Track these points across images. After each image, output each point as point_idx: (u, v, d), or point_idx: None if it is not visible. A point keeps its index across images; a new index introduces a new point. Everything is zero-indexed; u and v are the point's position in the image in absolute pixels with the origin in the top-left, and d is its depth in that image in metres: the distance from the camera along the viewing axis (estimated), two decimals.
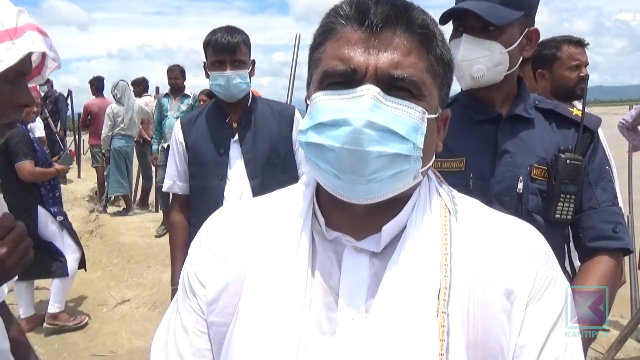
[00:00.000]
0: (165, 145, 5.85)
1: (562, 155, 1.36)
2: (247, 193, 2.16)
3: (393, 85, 0.69)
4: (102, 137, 7.14)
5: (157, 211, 7.26)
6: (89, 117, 7.80)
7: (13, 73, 1.00)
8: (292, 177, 2.18)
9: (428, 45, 0.72)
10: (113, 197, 7.49)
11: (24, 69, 1.03)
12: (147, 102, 7.52)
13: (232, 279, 0.77)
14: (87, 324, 4.25)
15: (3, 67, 0.96)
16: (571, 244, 1.48)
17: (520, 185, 1.36)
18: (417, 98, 0.70)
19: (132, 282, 4.99)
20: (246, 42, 2.22)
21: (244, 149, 2.19)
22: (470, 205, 0.81)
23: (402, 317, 0.67)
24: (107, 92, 7.82)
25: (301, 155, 2.32)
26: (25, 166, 3.80)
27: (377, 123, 0.66)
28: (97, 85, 7.87)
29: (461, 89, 1.50)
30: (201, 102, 6.59)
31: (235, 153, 2.20)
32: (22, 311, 4.11)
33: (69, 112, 9.79)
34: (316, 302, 0.73)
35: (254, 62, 2.29)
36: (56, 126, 8.72)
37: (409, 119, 0.69)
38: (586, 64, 2.63)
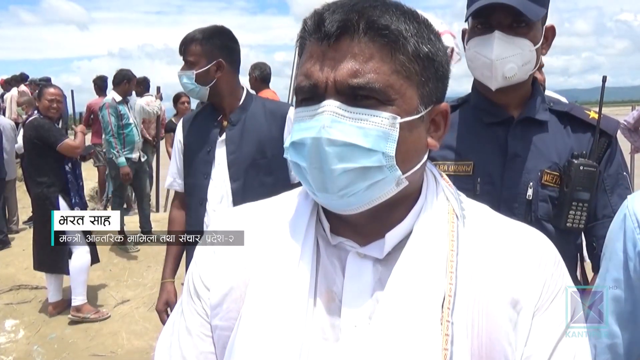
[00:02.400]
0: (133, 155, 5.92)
1: (575, 161, 1.30)
2: (228, 195, 2.10)
3: (357, 95, 0.67)
4: (103, 136, 7.14)
5: (157, 211, 7.25)
6: (91, 116, 7.79)
7: None
8: (278, 179, 2.10)
9: (393, 46, 0.68)
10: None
11: None
12: (148, 101, 7.49)
13: (236, 283, 0.76)
14: (109, 316, 4.37)
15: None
16: (584, 252, 1.43)
17: (530, 192, 1.31)
18: (385, 104, 0.67)
19: (132, 282, 4.98)
20: (202, 42, 2.11)
21: (229, 150, 2.12)
22: (478, 211, 0.79)
23: (406, 324, 0.66)
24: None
25: None
26: (69, 143, 4.16)
27: (336, 139, 0.65)
28: (100, 84, 7.84)
29: (472, 89, 1.44)
30: (185, 104, 6.85)
31: (220, 153, 2.14)
32: (50, 295, 4.36)
33: (70, 111, 9.76)
34: (319, 308, 0.72)
35: (217, 63, 2.12)
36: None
37: (374, 129, 0.66)
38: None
